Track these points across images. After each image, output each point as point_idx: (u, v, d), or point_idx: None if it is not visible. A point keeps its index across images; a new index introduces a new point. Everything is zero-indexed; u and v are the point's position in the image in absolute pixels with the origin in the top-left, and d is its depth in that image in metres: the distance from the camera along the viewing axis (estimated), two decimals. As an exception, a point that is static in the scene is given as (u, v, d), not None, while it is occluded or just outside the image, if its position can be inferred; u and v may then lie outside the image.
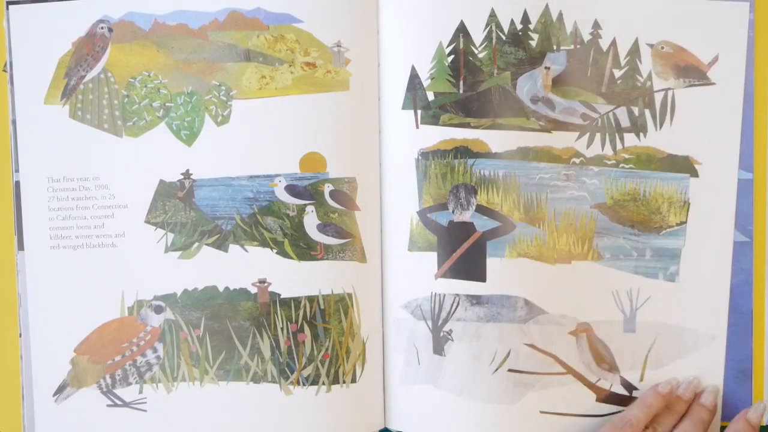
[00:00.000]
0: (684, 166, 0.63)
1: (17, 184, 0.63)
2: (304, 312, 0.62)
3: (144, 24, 0.63)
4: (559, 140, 0.63)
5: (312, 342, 0.63)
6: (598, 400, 0.63)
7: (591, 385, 0.63)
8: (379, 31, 0.63)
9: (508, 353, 0.62)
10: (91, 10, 0.63)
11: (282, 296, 0.62)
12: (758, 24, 0.63)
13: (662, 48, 0.63)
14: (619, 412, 0.62)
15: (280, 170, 0.62)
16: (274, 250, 0.62)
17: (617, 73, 0.63)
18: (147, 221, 0.63)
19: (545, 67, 0.63)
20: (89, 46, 0.63)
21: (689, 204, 0.63)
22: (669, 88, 0.63)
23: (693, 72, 0.63)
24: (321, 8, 0.62)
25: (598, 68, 0.63)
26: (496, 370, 0.62)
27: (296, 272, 0.62)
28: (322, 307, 0.62)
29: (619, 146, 0.63)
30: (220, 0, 0.62)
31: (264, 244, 0.62)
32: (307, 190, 0.62)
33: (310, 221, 0.62)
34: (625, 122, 0.63)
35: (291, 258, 0.62)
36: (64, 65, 0.63)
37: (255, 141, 0.62)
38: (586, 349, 0.63)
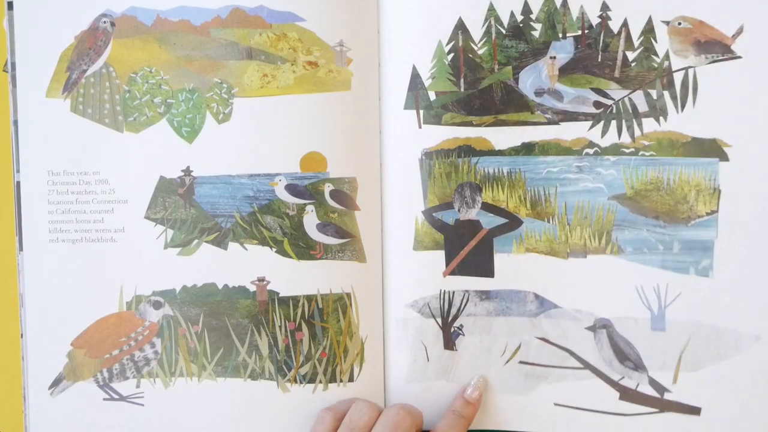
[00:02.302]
0: (711, 149, 0.59)
1: (18, 181, 0.63)
2: (303, 311, 0.62)
3: (146, 19, 0.62)
4: (568, 132, 0.61)
5: (310, 340, 0.63)
6: (622, 398, 0.61)
7: (613, 383, 0.61)
8: (380, 30, 0.63)
9: (519, 346, 0.62)
10: (94, 4, 0.63)
11: (280, 295, 0.62)
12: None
13: (679, 24, 0.59)
14: (648, 413, 0.61)
15: (281, 169, 0.62)
16: (274, 249, 0.62)
17: (631, 56, 0.60)
18: (147, 217, 0.63)
19: (551, 57, 0.61)
20: (91, 40, 0.63)
21: (720, 191, 0.59)
22: (689, 67, 0.59)
23: (716, 46, 0.59)
24: (323, 7, 0.61)
25: (609, 52, 0.60)
26: (507, 361, 0.62)
27: (295, 271, 0.62)
28: (320, 306, 0.63)
29: (637, 133, 0.60)
30: (223, -3, 0.62)
31: (263, 242, 0.62)
32: (307, 189, 0.62)
33: (310, 221, 0.62)
34: (642, 107, 0.60)
35: (290, 257, 0.62)
36: (66, 59, 0.63)
37: (256, 139, 0.62)
38: (606, 346, 0.61)
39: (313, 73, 0.62)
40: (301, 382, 0.63)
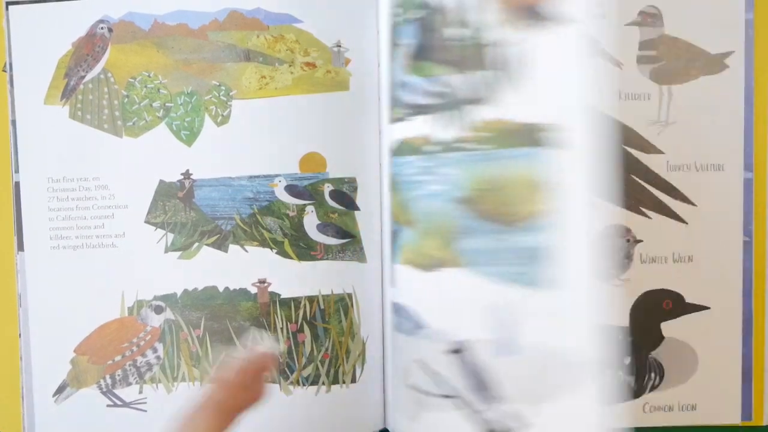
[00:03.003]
0: (536, 137, 0.46)
1: (17, 185, 0.63)
2: (304, 312, 0.62)
3: (144, 24, 0.63)
4: (417, 128, 0.52)
5: (312, 342, 0.62)
6: None
7: (477, 416, 0.50)
8: (379, 31, 0.63)
9: (406, 367, 0.55)
10: (91, 11, 0.63)
11: (282, 296, 0.62)
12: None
13: None
14: None
15: (280, 170, 0.62)
16: (274, 250, 0.62)
17: (463, 34, 0.48)
18: (147, 221, 0.63)
19: (401, 45, 0.53)
20: (89, 47, 0.63)
21: (558, 186, 0.46)
22: (520, 40, 0.46)
23: (539, 12, 0.44)
24: (321, 8, 0.62)
25: (446, 33, 0.49)
26: (403, 383, 0.56)
27: (296, 272, 0.62)
28: (321, 307, 0.62)
29: (474, 124, 0.48)
30: (220, 0, 0.62)
31: (264, 244, 0.62)
32: (307, 190, 0.62)
33: (310, 221, 0.62)
34: (477, 92, 0.48)
35: (291, 258, 0.62)
36: (64, 65, 0.63)
37: (255, 141, 0.62)
38: (464, 373, 0.51)
39: (311, 73, 0.62)
40: (303, 385, 0.63)
